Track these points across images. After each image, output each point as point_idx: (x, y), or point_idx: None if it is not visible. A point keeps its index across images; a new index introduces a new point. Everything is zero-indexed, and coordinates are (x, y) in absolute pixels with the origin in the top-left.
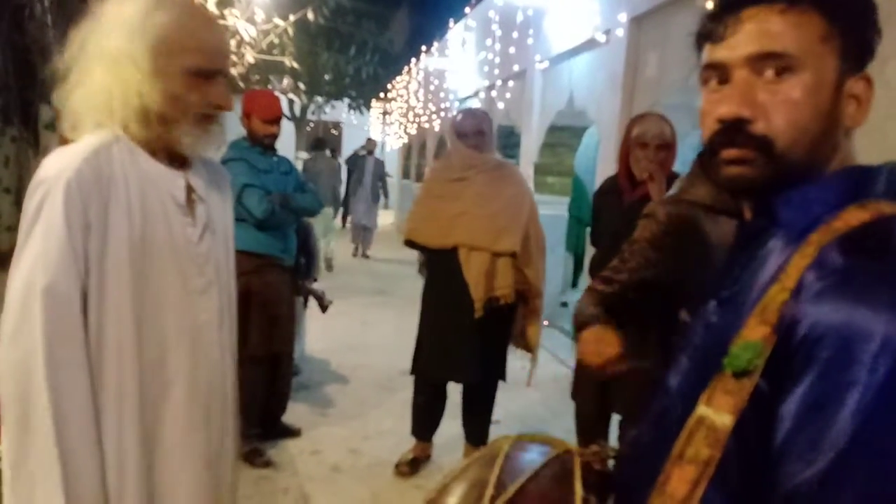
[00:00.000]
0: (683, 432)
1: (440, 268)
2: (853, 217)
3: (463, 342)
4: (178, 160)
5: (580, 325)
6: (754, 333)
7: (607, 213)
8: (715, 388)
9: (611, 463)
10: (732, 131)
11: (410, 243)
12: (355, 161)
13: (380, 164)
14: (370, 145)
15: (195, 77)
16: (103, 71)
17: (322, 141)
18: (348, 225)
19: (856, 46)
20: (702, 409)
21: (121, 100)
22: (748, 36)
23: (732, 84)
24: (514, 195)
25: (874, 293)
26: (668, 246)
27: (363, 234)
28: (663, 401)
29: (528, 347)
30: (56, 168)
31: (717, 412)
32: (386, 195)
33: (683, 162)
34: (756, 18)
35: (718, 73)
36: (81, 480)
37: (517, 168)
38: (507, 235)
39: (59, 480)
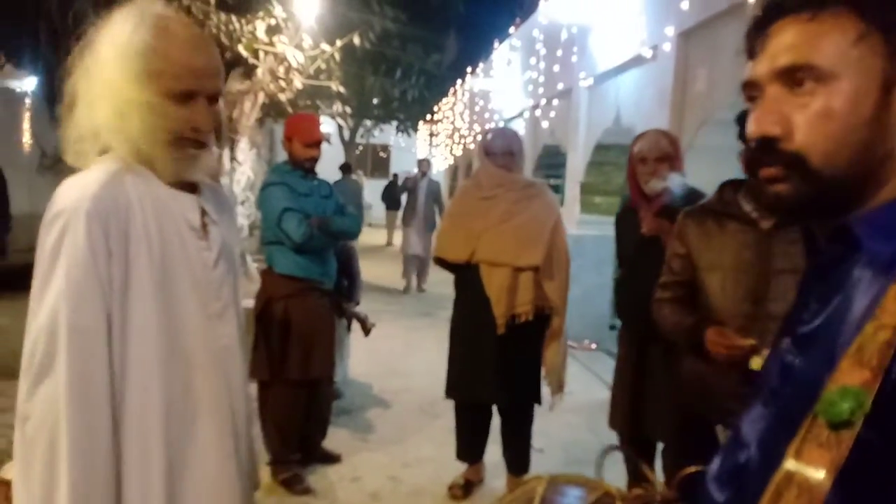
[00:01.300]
0: (769, 490)
1: (465, 286)
2: None
3: (488, 361)
4: (187, 185)
5: (690, 334)
6: (852, 378)
7: (626, 233)
8: (805, 440)
9: None
10: (764, 150)
11: (439, 260)
12: (406, 185)
13: (434, 186)
14: (423, 166)
15: (172, 100)
16: (103, 99)
17: (349, 165)
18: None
19: None
20: (790, 464)
21: (121, 126)
22: (776, 50)
23: (763, 101)
24: (538, 211)
25: None
26: (693, 244)
27: (418, 265)
28: (737, 453)
29: (548, 370)
30: (73, 198)
31: (810, 468)
32: None
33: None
34: (784, 31)
35: (754, 90)
36: None
37: (547, 187)
38: (530, 250)
39: None
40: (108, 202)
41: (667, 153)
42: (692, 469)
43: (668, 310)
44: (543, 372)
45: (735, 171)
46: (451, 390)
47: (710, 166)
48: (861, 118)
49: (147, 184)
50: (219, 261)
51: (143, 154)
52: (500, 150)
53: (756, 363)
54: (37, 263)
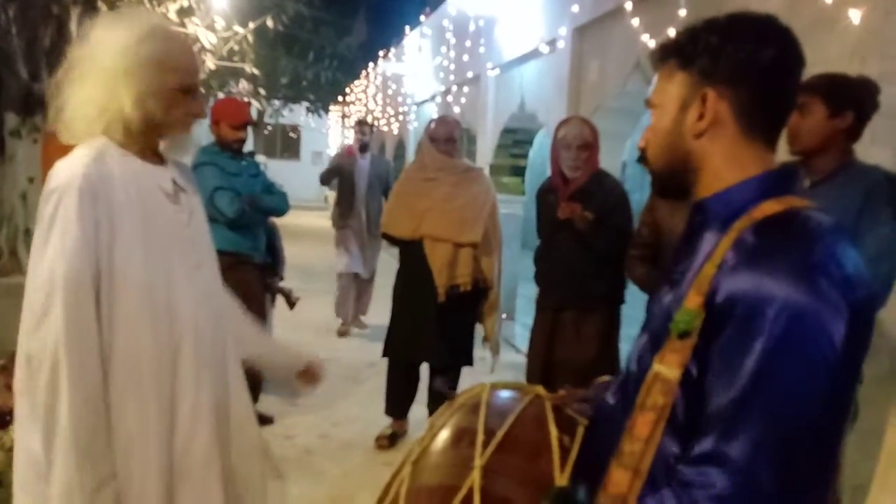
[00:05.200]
0: (643, 387)
1: (409, 258)
2: (770, 208)
3: (429, 326)
4: (157, 159)
5: (650, 281)
6: (692, 303)
7: (546, 208)
8: (666, 350)
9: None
10: (642, 153)
11: (386, 236)
12: (335, 172)
13: (382, 166)
14: (362, 134)
15: (179, 92)
16: (99, 87)
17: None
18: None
19: (694, 74)
20: (656, 367)
21: (112, 111)
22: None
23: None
24: (477, 194)
25: (777, 266)
26: (660, 215)
27: (357, 289)
28: (626, 369)
29: (488, 337)
30: (65, 176)
31: (668, 368)
32: None
33: (630, 161)
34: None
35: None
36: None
37: (483, 172)
38: (469, 228)
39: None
40: (95, 178)
41: (588, 142)
42: (606, 378)
43: (637, 264)
44: (483, 337)
45: (621, 152)
46: (390, 350)
47: (603, 149)
48: (665, 129)
49: (125, 159)
50: (190, 221)
51: (141, 136)
52: (442, 136)
53: None
54: (36, 232)
